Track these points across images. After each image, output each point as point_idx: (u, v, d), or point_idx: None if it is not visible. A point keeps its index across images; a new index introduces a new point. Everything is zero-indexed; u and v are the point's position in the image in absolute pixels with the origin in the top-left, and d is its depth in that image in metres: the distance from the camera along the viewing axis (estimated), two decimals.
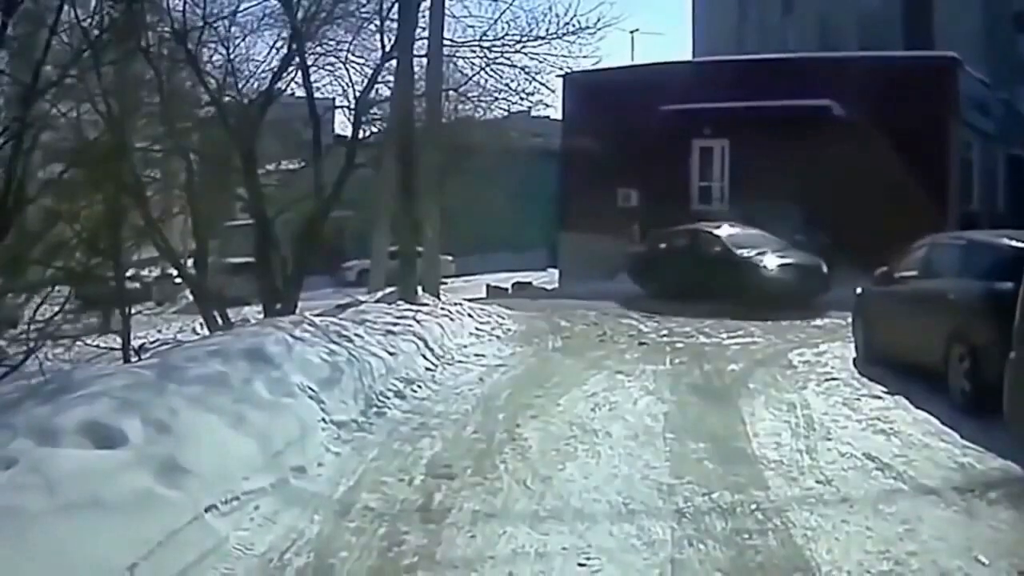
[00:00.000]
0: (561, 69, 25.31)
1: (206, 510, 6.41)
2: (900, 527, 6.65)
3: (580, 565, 6.07)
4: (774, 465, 8.33)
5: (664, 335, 17.14)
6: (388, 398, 10.96)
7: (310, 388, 9.80)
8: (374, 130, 24.91)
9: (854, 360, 13.76)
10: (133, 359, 15.75)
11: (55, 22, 14.97)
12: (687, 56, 46.42)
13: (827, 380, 12.38)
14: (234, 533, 6.39)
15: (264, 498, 7.09)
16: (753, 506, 7.17)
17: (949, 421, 9.67)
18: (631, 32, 60.34)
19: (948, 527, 6.65)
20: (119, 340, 17.38)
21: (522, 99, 25.66)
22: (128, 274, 20.04)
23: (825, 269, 21.64)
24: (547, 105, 33.21)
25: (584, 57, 24.08)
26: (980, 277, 10.62)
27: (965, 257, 11.55)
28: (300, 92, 22.77)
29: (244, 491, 6.97)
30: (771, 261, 21.70)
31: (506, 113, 28.33)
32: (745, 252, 21.88)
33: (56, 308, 15.95)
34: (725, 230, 22.93)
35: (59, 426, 6.90)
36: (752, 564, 6.06)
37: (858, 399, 11.13)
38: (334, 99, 26.56)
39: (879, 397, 11.16)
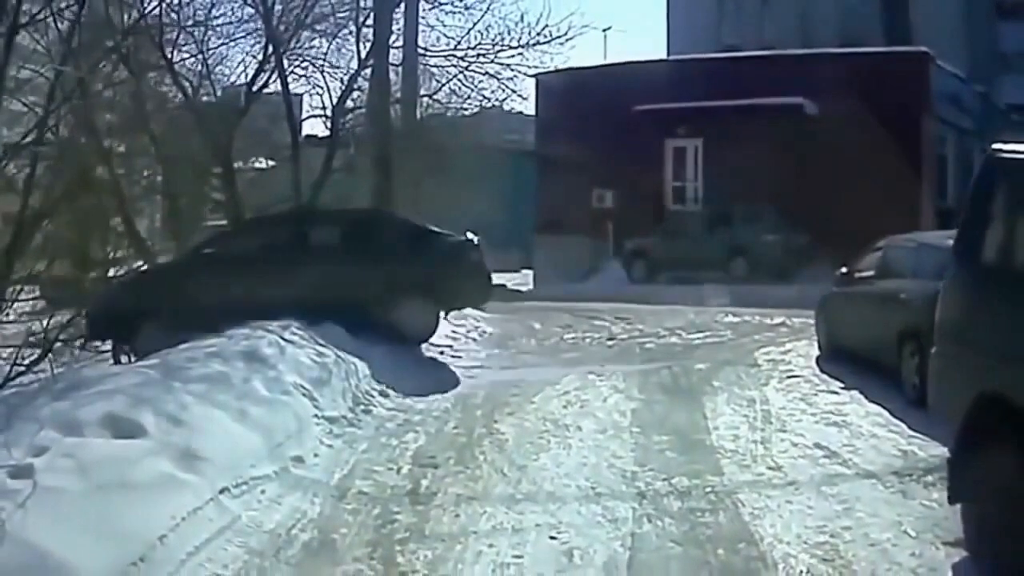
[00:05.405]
0: (533, 75, 25.60)
1: (220, 492, 7.06)
2: (839, 506, 7.21)
3: (551, 538, 6.64)
4: (730, 454, 8.93)
5: (635, 336, 17.67)
6: (373, 397, 11.47)
7: (303, 387, 10.39)
8: (351, 126, 25.08)
9: (817, 358, 14.21)
10: (123, 360, 16.19)
11: (70, 42, 15.35)
12: (662, 51, 45.49)
13: (789, 377, 12.86)
14: (246, 512, 7.02)
15: (269, 483, 7.73)
16: (707, 489, 7.78)
17: (899, 413, 10.15)
18: (604, 30, 57.47)
19: (883, 506, 7.19)
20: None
21: (494, 105, 25.98)
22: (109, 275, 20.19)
23: None
24: (521, 112, 33.37)
25: (556, 67, 24.42)
26: (929, 277, 10.61)
27: (916, 258, 11.97)
28: (275, 94, 23.26)
29: (252, 477, 7.61)
30: None
31: (477, 109, 28.29)
32: None
33: (29, 309, 16.29)
34: None
35: (82, 419, 7.55)
36: (703, 537, 6.65)
37: (815, 394, 11.61)
38: (301, 96, 26.72)
39: (835, 392, 11.66)
